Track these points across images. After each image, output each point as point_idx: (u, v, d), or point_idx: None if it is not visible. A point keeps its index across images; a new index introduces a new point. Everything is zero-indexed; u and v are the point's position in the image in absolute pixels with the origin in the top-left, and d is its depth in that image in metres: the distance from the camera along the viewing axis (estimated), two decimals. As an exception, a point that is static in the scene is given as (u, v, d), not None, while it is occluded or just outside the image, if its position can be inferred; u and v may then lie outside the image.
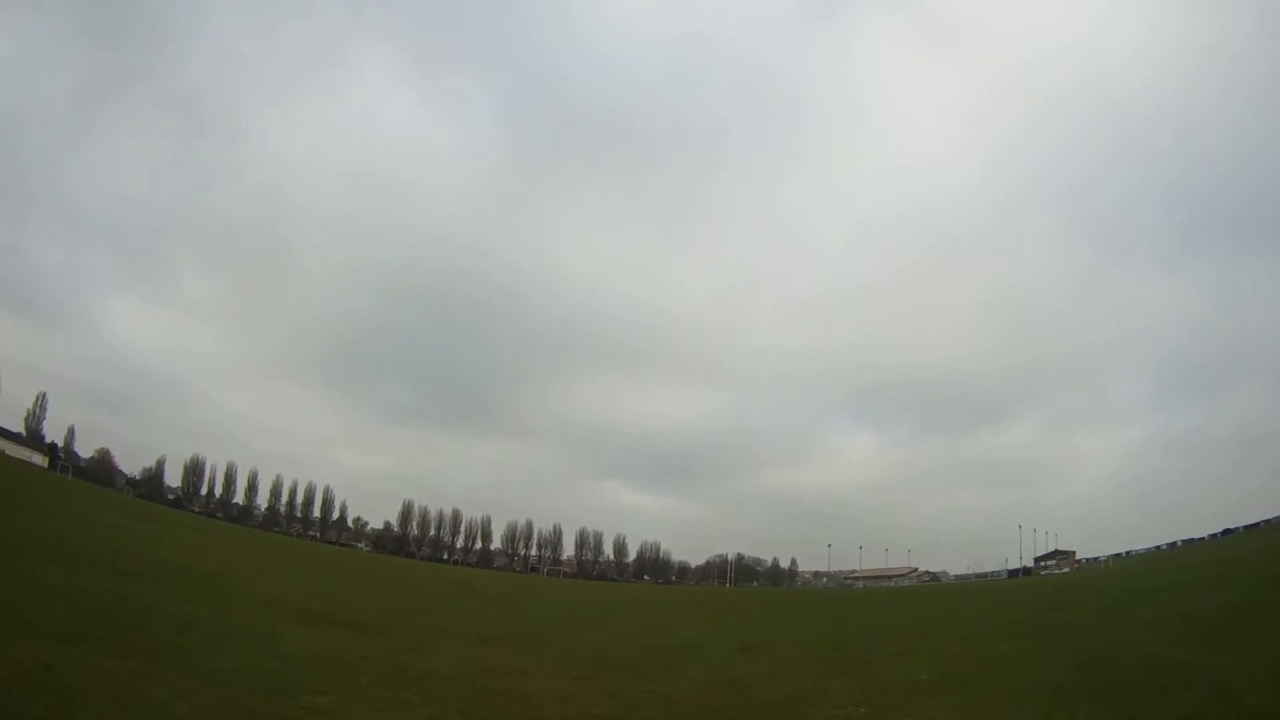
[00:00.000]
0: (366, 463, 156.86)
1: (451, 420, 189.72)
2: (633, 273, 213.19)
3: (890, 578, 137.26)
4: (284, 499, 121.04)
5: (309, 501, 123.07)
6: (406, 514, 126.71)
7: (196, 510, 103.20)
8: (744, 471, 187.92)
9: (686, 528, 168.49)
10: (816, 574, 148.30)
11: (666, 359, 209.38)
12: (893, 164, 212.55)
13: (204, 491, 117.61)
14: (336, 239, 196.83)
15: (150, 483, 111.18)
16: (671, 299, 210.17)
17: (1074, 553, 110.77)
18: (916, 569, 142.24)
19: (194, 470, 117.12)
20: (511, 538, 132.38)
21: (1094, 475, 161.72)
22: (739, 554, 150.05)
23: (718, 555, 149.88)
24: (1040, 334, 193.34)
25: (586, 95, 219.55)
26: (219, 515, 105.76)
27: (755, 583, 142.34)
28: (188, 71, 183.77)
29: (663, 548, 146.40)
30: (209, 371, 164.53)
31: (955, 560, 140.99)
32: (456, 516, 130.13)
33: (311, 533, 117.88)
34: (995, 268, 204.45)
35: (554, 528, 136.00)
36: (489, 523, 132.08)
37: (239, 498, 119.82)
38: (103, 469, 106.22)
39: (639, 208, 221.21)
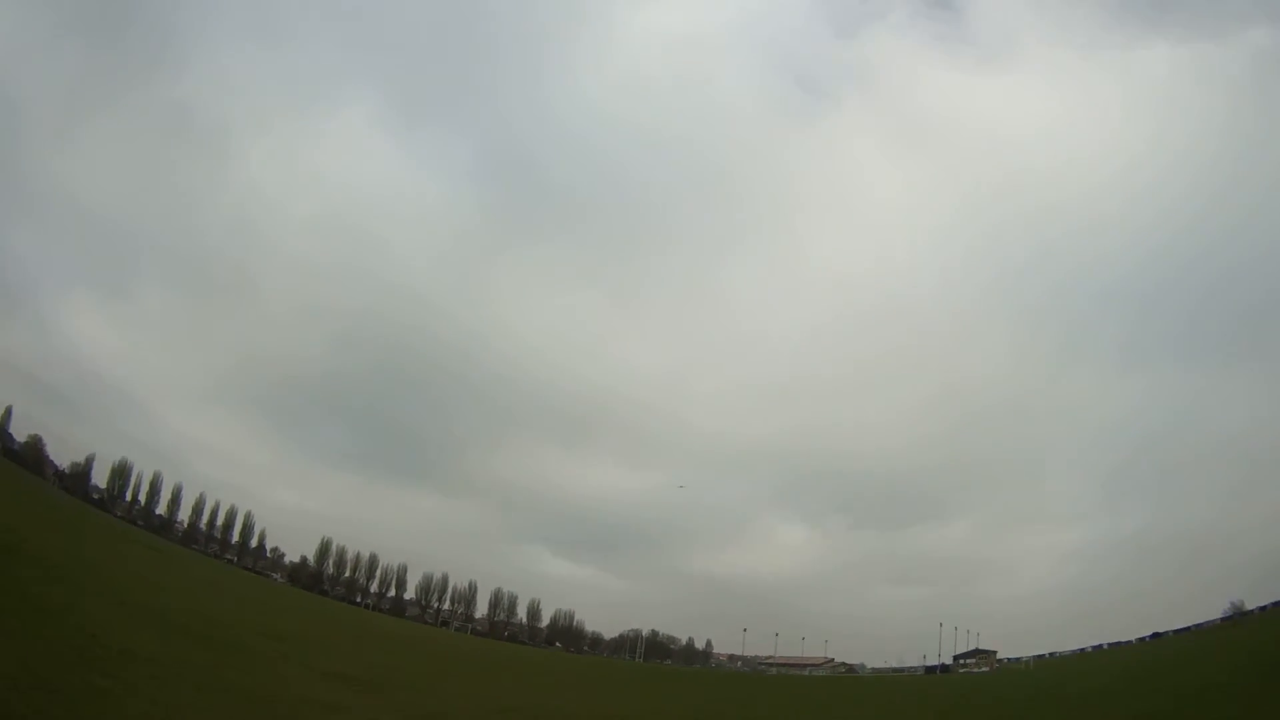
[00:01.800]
0: (296, 500, 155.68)
1: (388, 470, 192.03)
2: (583, 346, 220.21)
3: (805, 666, 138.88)
4: (205, 517, 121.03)
5: (229, 524, 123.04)
6: (324, 551, 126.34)
7: (119, 515, 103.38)
8: (671, 549, 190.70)
9: (605, 599, 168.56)
10: (731, 657, 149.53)
11: (607, 432, 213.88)
12: (849, 262, 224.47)
13: (129, 497, 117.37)
14: (299, 277, 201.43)
15: (76, 478, 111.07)
16: (618, 374, 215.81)
17: (995, 652, 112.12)
18: (832, 659, 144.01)
19: (121, 473, 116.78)
20: (426, 589, 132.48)
21: (1029, 575, 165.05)
22: (654, 630, 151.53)
23: (632, 629, 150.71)
24: (985, 433, 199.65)
25: (554, 169, 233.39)
26: (140, 523, 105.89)
27: (668, 660, 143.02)
28: (181, 84, 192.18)
29: (577, 617, 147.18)
30: (154, 383, 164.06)
31: (877, 653, 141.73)
32: (373, 560, 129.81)
33: (229, 555, 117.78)
34: (944, 367, 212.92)
35: (469, 584, 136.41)
36: (405, 571, 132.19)
37: (161, 509, 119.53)
38: (33, 455, 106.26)
39: (595, 283, 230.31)
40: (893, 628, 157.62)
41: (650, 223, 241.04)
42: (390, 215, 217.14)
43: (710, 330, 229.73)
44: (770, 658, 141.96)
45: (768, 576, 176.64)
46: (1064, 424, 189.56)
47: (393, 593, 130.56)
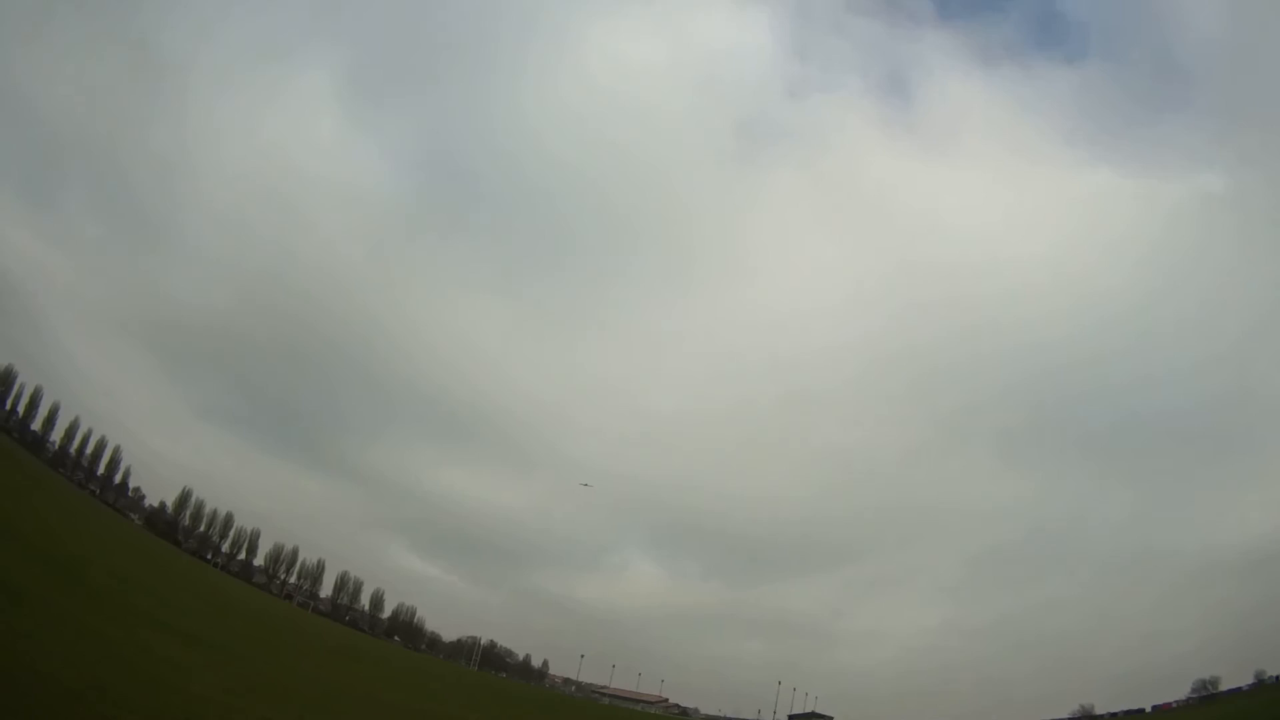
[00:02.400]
0: (167, 446, 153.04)
1: (264, 436, 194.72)
2: (480, 355, 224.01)
3: (639, 702, 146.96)
4: (75, 443, 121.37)
5: (98, 455, 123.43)
6: (183, 501, 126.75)
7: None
8: (524, 566, 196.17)
9: (450, 601, 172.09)
10: (566, 680, 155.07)
11: (486, 442, 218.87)
12: (749, 321, 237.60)
13: (7, 405, 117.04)
14: (220, 231, 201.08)
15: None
16: (508, 389, 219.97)
17: (831, 718, 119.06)
18: (666, 699, 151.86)
19: (4, 380, 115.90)
20: (276, 558, 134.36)
21: (883, 646, 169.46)
22: (493, 641, 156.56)
23: (471, 636, 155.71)
24: (858, 504, 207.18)
25: (486, 178, 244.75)
26: (14, 435, 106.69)
27: (503, 674, 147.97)
28: (147, 17, 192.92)
29: (419, 613, 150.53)
30: (57, 300, 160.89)
31: (712, 700, 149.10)
32: (229, 520, 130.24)
33: (92, 487, 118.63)
34: (829, 434, 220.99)
35: (318, 562, 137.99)
36: (257, 536, 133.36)
37: (37, 425, 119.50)
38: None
39: (503, 297, 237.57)
40: (733, 678, 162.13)
41: (566, 248, 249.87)
42: (321, 188, 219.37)
43: (601, 365, 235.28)
44: (605, 687, 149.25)
45: (614, 609, 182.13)
46: (940, 507, 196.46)
47: (243, 556, 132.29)
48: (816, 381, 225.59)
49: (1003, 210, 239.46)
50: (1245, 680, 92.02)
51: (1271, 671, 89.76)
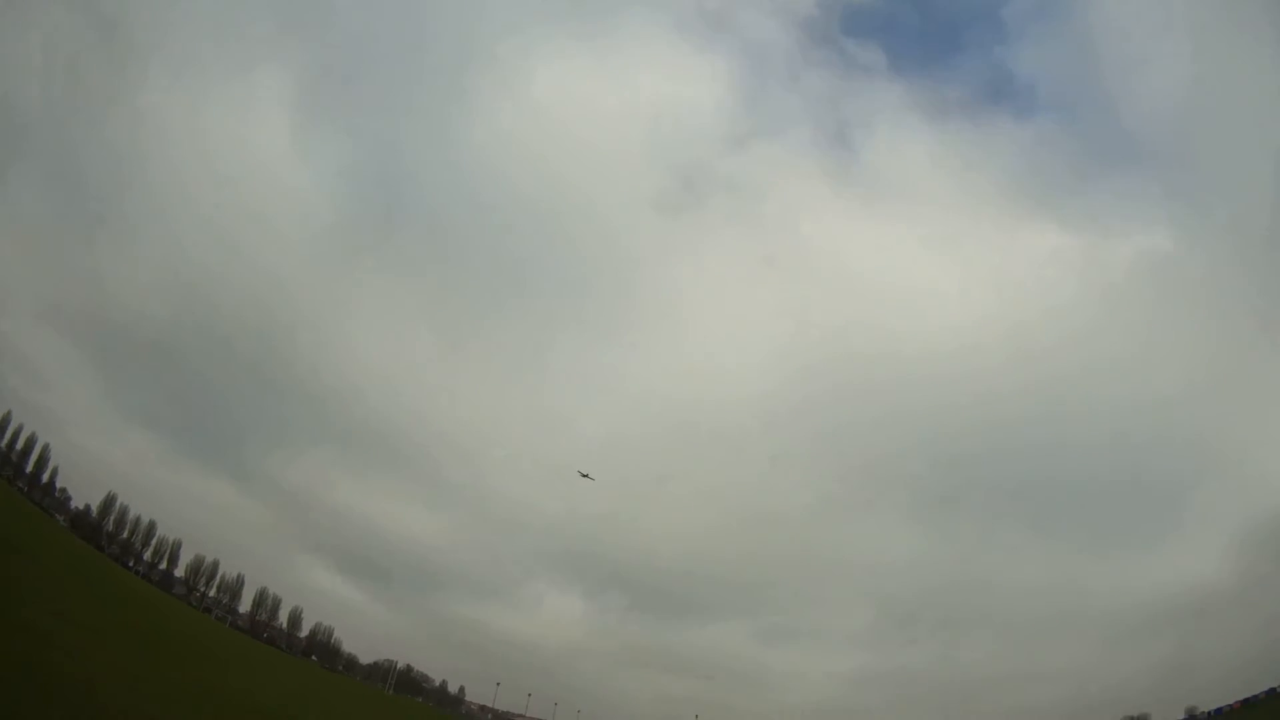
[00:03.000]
0: (96, 445, 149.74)
1: (189, 442, 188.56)
2: (412, 380, 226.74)
3: None
4: (5, 438, 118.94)
5: (27, 452, 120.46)
6: (108, 506, 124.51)
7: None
8: (444, 592, 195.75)
9: (367, 623, 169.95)
10: (483, 708, 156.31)
11: (412, 467, 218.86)
12: (673, 363, 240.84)
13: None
14: (164, 224, 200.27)
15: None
16: (437, 416, 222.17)
17: None
18: None
19: None
20: (196, 570, 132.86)
21: (800, 688, 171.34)
22: (409, 665, 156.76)
23: (388, 659, 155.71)
24: (778, 550, 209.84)
25: (431, 203, 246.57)
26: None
27: (420, 698, 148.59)
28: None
29: (336, 634, 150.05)
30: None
31: None
32: (152, 528, 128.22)
33: (20, 484, 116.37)
34: (744, 481, 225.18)
35: (237, 576, 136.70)
36: (179, 547, 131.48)
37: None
38: None
39: (439, 324, 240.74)
40: (649, 714, 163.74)
41: (506, 281, 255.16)
42: (268, 192, 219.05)
43: (532, 400, 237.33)
44: (521, 716, 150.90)
45: (532, 639, 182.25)
46: (858, 556, 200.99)
47: (164, 565, 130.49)
48: (739, 429, 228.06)
49: (940, 266, 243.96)
50: (1177, 715, 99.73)
51: (1203, 707, 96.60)
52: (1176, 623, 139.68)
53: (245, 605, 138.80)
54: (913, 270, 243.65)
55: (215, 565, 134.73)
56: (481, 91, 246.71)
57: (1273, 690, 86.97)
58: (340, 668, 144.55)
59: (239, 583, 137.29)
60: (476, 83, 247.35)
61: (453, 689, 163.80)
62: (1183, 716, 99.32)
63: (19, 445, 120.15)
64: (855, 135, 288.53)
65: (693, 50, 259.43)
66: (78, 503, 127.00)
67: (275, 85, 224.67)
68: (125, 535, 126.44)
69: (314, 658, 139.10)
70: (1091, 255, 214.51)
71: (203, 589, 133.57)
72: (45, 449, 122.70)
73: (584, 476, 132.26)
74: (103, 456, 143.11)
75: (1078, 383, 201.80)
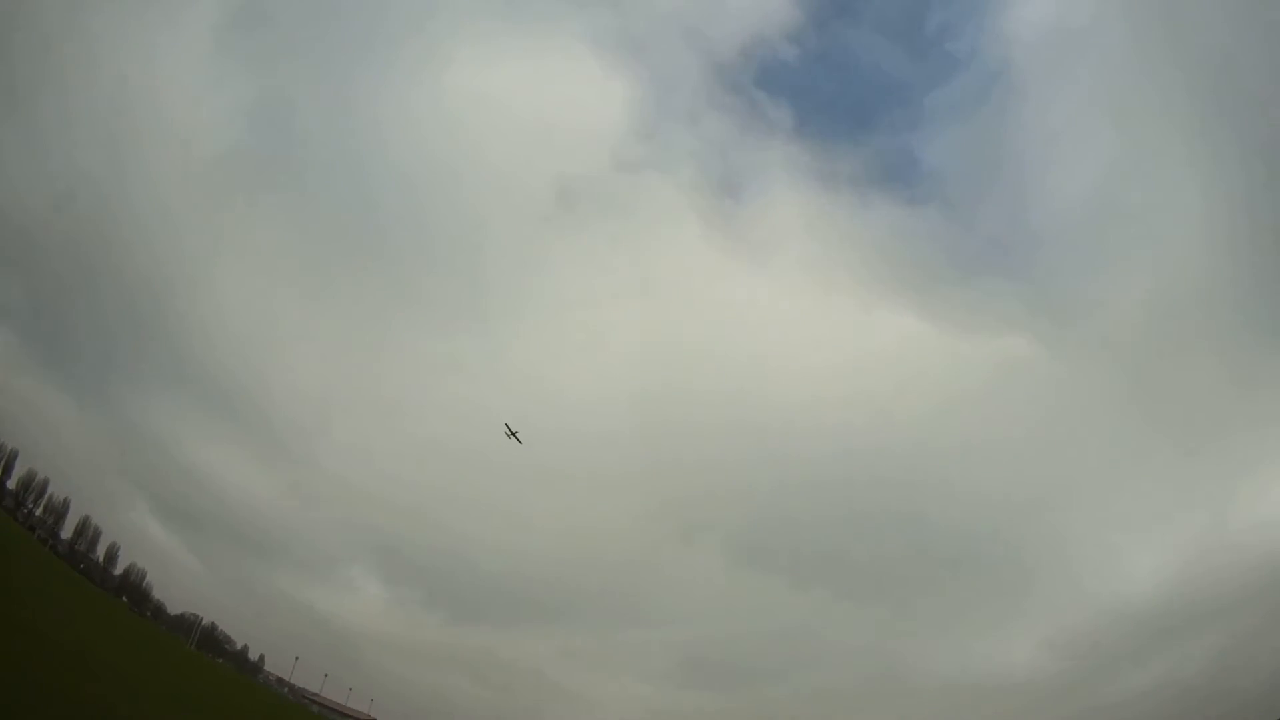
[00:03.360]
0: None
1: (40, 348, 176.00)
2: (271, 339, 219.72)
3: (347, 716, 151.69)
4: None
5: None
6: None
7: None
8: (262, 559, 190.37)
9: (180, 573, 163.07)
10: (280, 680, 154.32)
11: (252, 423, 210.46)
12: (528, 374, 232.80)
13: None
14: (67, 124, 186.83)
15: None
16: (285, 379, 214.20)
17: None
18: (375, 718, 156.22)
19: None
20: (27, 485, 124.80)
21: (587, 715, 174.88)
22: (215, 623, 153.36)
23: (194, 613, 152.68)
24: (593, 574, 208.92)
25: (322, 161, 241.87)
26: None
27: (221, 660, 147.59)
28: None
29: (148, 579, 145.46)
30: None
31: None
32: None
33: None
34: (560, 498, 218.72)
35: (64, 500, 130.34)
36: (15, 457, 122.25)
37: None
38: None
39: (308, 291, 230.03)
40: (441, 712, 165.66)
41: (378, 256, 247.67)
42: (169, 108, 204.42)
43: (380, 381, 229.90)
44: (316, 695, 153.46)
45: (335, 619, 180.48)
46: (669, 594, 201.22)
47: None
48: (563, 448, 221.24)
49: (797, 325, 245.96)
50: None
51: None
52: (978, 707, 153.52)
53: (68, 532, 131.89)
54: (768, 323, 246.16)
55: (45, 484, 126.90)
56: (398, 65, 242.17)
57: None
58: (148, 613, 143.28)
59: (64, 507, 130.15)
60: (396, 54, 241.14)
61: (253, 655, 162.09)
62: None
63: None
64: (742, 184, 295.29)
65: (604, 69, 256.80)
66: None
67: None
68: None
69: (124, 598, 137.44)
70: (951, 346, 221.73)
71: (30, 505, 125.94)
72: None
73: (511, 435, 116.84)
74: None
75: (922, 461, 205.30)
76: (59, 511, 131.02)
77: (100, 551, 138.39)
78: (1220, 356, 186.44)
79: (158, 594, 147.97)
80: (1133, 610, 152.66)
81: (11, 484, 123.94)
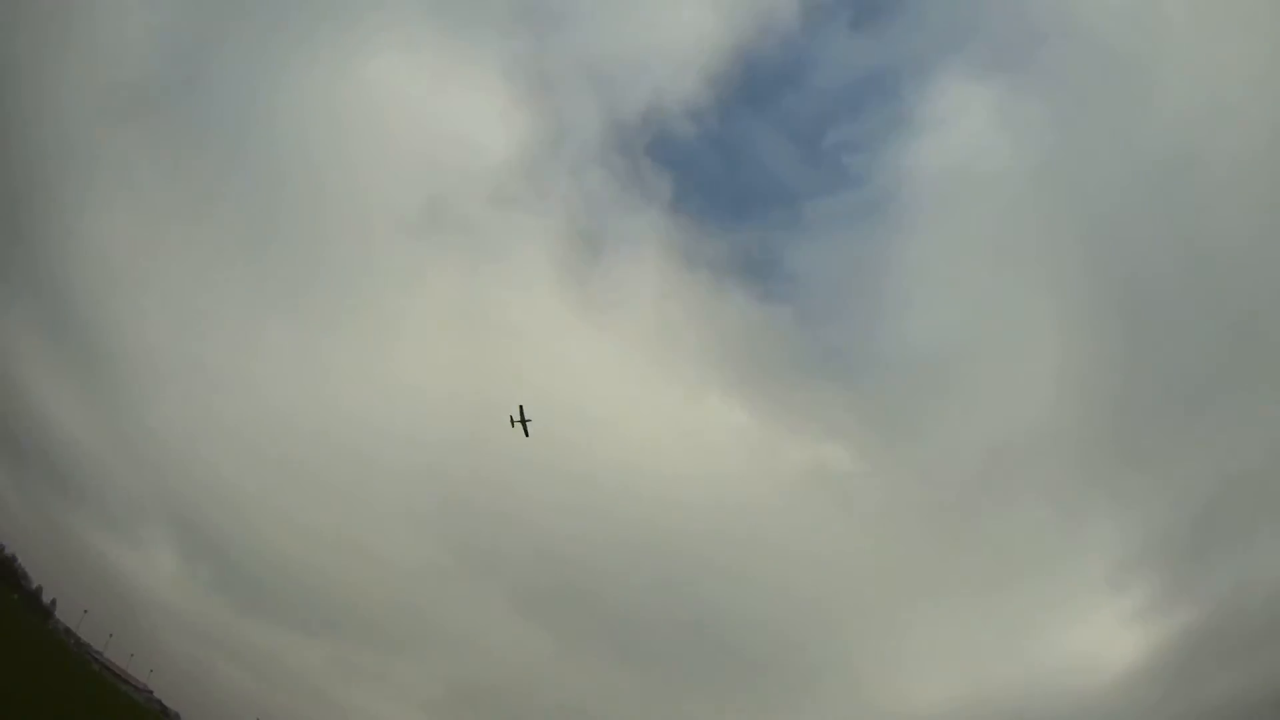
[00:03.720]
0: None
1: None
2: (129, 274, 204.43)
3: (126, 682, 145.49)
4: None
5: None
6: None
7: None
8: (78, 504, 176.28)
9: None
10: (69, 630, 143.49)
11: (95, 361, 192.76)
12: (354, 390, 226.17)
13: None
14: None
15: None
16: (137, 325, 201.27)
17: None
18: (152, 691, 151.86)
19: None
20: None
21: None
22: (15, 555, 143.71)
23: None
24: (372, 589, 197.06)
25: (219, 117, 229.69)
26: None
27: (16, 596, 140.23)
28: None
29: None
30: None
31: (200, 710, 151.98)
32: None
33: None
34: (366, 508, 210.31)
35: None
36: None
37: None
38: None
39: (182, 241, 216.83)
40: (209, 697, 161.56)
41: (265, 229, 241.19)
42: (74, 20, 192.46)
43: (217, 358, 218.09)
44: (99, 653, 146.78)
45: (129, 579, 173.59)
46: (440, 626, 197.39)
47: None
48: (372, 462, 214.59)
49: (627, 394, 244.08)
50: None
51: None
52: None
53: None
54: (598, 385, 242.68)
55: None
56: (322, 43, 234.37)
57: None
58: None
59: None
60: (323, 34, 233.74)
61: (46, 599, 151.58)
62: None
63: None
64: (605, 244, 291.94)
65: (510, 100, 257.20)
66: None
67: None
68: None
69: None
70: (773, 443, 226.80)
71: None
72: None
73: (520, 423, 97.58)
74: None
75: (727, 548, 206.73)
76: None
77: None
78: (1045, 497, 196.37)
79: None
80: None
81: None
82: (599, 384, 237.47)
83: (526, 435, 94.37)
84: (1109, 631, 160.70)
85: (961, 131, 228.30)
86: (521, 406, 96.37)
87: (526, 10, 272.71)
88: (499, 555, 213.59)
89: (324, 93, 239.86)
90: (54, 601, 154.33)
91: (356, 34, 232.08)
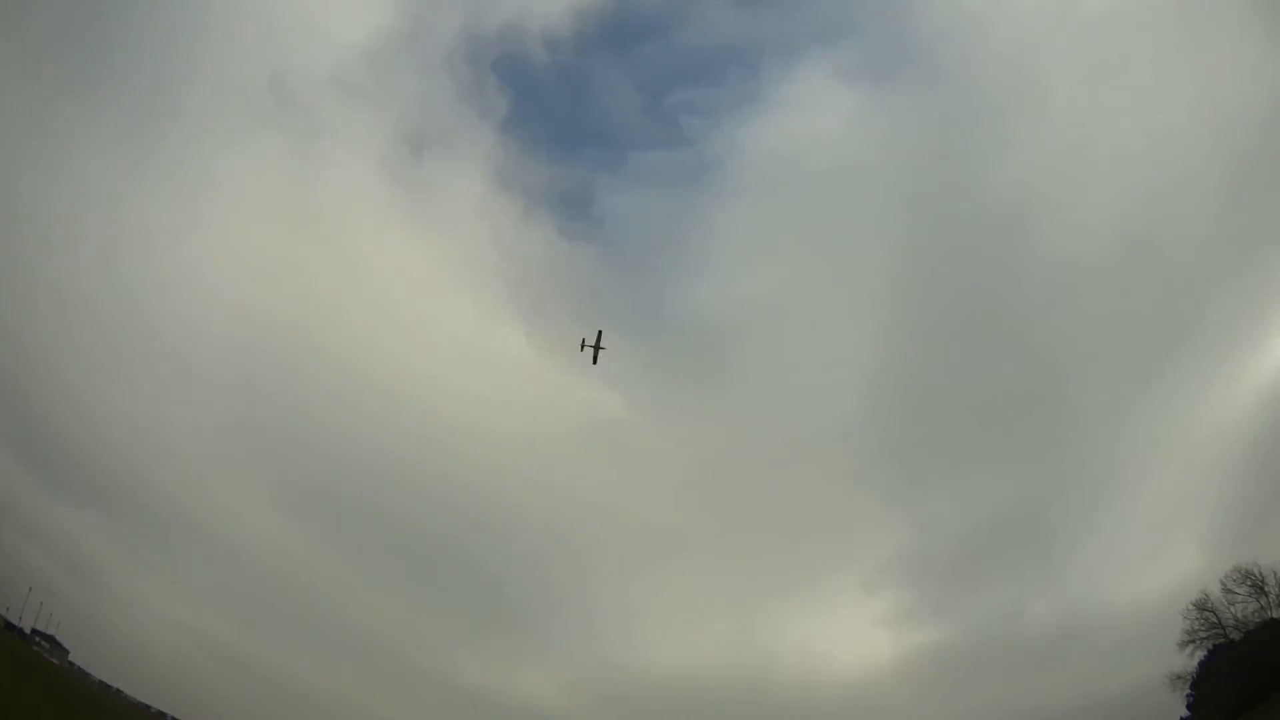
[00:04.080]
0: None
1: None
2: None
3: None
4: None
5: None
6: None
7: None
8: None
9: None
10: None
11: None
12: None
13: None
14: None
15: None
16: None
17: None
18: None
19: None
20: None
21: None
22: None
23: None
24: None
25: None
26: None
27: None
28: None
29: None
30: None
31: None
32: None
33: None
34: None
35: None
36: None
37: None
38: None
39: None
40: None
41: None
42: None
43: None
44: None
45: None
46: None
47: None
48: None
49: (425, 306, 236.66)
50: None
51: None
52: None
53: None
54: (401, 291, 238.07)
55: None
56: None
57: None
58: None
59: None
60: None
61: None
62: None
63: None
64: (432, 151, 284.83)
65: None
66: None
67: None
68: None
69: None
70: (551, 378, 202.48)
71: None
72: None
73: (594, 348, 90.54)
74: None
75: (504, 481, 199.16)
76: None
77: None
78: (822, 488, 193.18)
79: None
80: (652, 682, 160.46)
81: None
82: (403, 290, 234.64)
83: (594, 362, 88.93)
84: (859, 630, 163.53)
85: (808, 122, 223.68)
86: (600, 333, 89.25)
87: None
88: (279, 444, 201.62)
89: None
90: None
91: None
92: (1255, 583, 72.53)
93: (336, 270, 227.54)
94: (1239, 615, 73.26)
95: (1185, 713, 75.80)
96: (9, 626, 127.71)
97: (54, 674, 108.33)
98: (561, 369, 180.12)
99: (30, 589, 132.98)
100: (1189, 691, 75.14)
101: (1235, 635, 72.79)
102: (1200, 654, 75.18)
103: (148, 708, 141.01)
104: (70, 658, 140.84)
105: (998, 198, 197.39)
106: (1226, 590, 74.14)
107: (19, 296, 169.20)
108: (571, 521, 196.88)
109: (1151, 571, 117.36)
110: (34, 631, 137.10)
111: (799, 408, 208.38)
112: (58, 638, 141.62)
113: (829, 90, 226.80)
